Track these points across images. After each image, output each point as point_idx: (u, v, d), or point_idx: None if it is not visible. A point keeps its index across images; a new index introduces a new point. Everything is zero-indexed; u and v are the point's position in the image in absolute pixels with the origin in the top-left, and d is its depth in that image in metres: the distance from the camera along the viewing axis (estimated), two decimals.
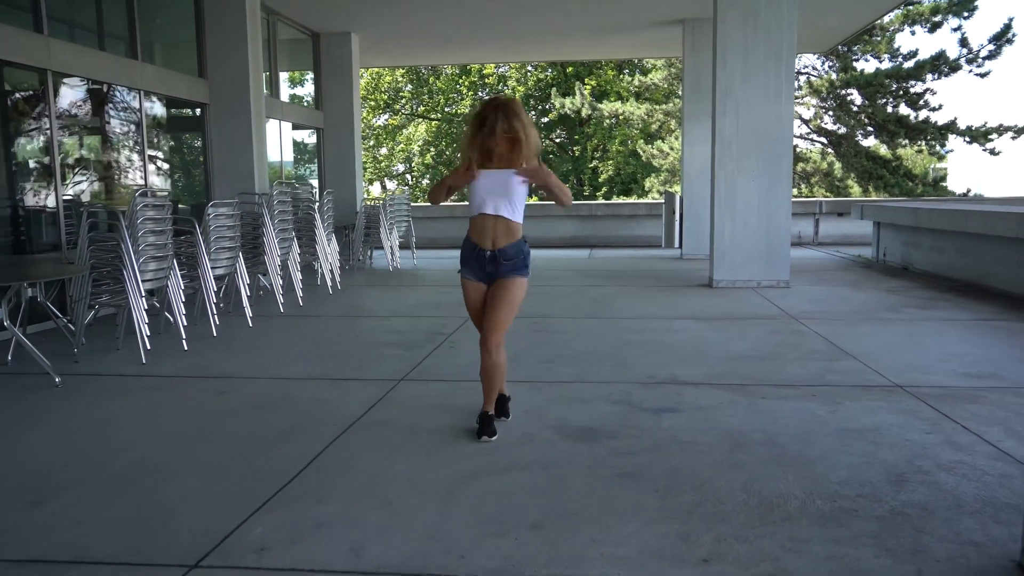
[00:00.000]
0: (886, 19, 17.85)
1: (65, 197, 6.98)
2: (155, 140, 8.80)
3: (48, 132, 6.80)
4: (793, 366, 5.05)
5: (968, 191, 21.46)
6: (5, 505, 2.98)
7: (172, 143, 9.70)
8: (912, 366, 4.99)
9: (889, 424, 3.82)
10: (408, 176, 34.35)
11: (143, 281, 5.43)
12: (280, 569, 2.45)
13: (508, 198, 3.57)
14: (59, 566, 2.50)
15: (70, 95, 7.35)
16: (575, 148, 29.18)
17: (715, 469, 3.25)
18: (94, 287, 5.64)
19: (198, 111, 9.34)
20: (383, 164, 33.50)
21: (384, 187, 34.00)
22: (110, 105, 8.00)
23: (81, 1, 8.07)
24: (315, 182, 13.17)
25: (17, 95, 6.98)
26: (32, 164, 7.00)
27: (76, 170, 7.49)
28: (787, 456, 3.39)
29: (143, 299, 5.37)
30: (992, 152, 19.88)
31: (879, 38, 19.53)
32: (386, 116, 32.86)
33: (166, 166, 9.30)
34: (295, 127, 12.67)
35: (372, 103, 30.53)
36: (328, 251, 9.00)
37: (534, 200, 26.00)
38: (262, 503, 2.94)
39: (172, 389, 4.73)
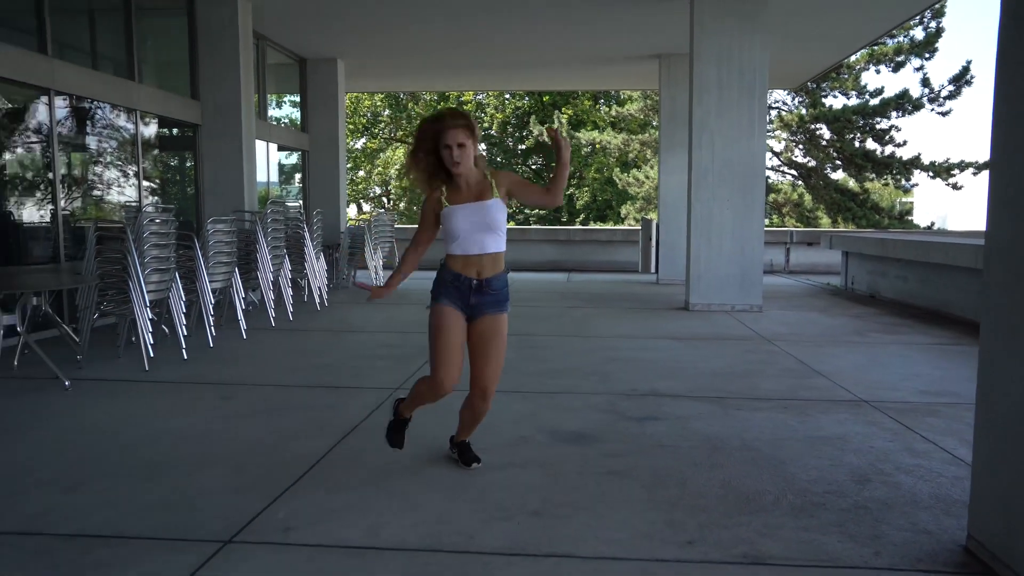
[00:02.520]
0: (852, 58, 18.62)
1: (64, 212, 7.16)
2: (149, 158, 9.00)
3: (49, 149, 6.99)
4: (767, 382, 5.38)
5: (932, 224, 22.25)
6: (44, 489, 3.19)
7: (164, 161, 9.90)
8: (877, 384, 5.34)
9: (855, 433, 4.15)
10: (385, 199, 34.65)
11: (147, 292, 5.63)
12: (306, 545, 2.70)
13: (494, 231, 3.19)
14: (101, 540, 2.72)
15: (70, 113, 7.55)
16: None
17: (696, 469, 3.54)
18: (98, 297, 5.82)
19: (190, 131, 9.57)
20: (360, 186, 33.76)
21: (360, 209, 34.25)
22: (107, 124, 8.20)
23: (82, 23, 8.31)
24: (298, 202, 13.42)
25: (19, 113, 7.17)
26: (32, 180, 7.18)
27: (73, 186, 7.67)
28: (762, 458, 3.70)
29: (148, 309, 5.57)
30: (955, 187, 20.69)
31: (846, 76, 20.35)
32: (364, 139, 33.21)
33: (158, 183, 9.49)
34: (280, 148, 12.92)
35: (351, 126, 30.85)
36: (317, 269, 9.23)
37: (512, 224, 26.30)
38: (281, 492, 3.17)
39: (178, 394, 4.94)
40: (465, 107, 30.71)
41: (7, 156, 6.85)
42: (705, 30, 8.90)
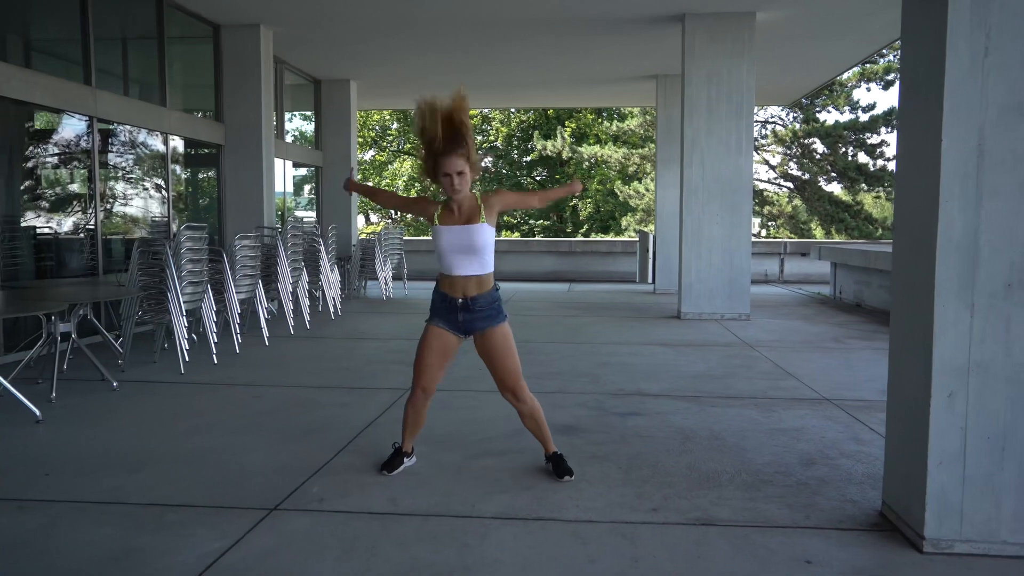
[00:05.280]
0: (844, 76, 19.24)
1: (90, 227, 7.79)
2: (176, 177, 9.64)
3: (91, 172, 7.63)
4: (742, 383, 5.95)
5: None
6: (113, 471, 3.79)
7: (190, 180, 10.54)
8: (841, 384, 5.91)
9: (811, 426, 4.72)
10: (392, 211, 35.35)
11: (183, 302, 6.24)
12: (339, 511, 3.29)
13: (477, 254, 3.48)
14: (170, 508, 3.32)
15: (109, 137, 8.21)
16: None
17: (668, 454, 4.12)
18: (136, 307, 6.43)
19: (214, 151, 10.22)
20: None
21: (368, 220, 34.91)
22: (140, 145, 8.86)
23: (119, 54, 8.97)
24: (313, 215, 14.06)
25: (64, 138, 7.82)
26: (74, 199, 7.82)
27: (110, 203, 8.32)
28: (726, 446, 4.28)
29: (184, 318, 6.18)
30: None
31: (838, 92, 20.97)
32: (372, 152, 33.94)
33: (185, 200, 10.13)
34: (296, 165, 13.58)
35: (360, 139, 31.58)
36: (331, 280, 9.84)
37: (516, 236, 26.83)
38: (313, 472, 3.76)
39: (213, 394, 5.54)
40: (472, 121, 31.37)
41: (53, 178, 7.50)
42: (695, 55, 9.52)
